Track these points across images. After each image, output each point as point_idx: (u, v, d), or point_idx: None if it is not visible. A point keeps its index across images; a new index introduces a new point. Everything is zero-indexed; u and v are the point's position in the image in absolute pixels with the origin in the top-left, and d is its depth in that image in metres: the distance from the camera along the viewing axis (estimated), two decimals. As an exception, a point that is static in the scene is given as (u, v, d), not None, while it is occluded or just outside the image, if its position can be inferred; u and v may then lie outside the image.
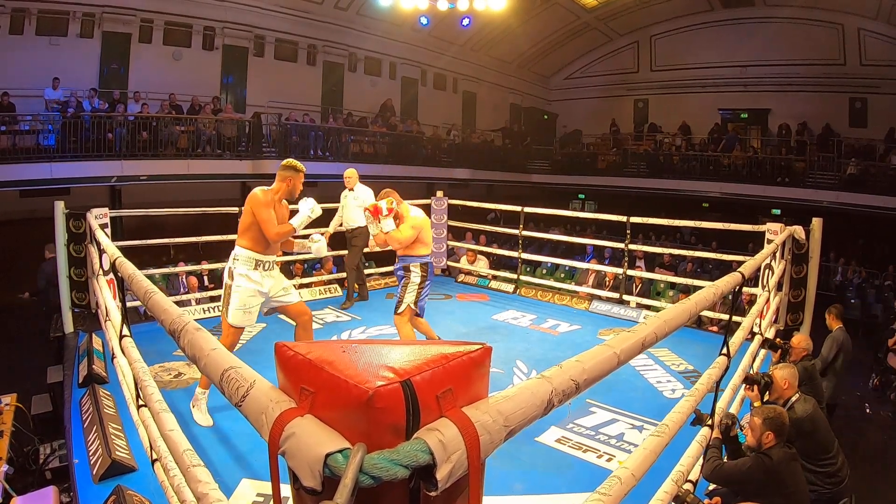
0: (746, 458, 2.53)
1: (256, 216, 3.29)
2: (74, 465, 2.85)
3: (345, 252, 6.73)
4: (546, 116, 19.39)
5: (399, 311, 4.06)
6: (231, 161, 10.43)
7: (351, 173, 5.99)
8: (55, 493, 2.63)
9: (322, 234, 3.98)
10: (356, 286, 6.25)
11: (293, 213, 3.53)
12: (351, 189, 5.95)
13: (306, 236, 3.79)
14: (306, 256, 6.98)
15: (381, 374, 0.76)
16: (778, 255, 4.48)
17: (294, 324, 3.68)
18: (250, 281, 3.34)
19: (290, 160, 3.49)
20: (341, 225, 6.07)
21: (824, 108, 13.71)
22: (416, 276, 4.03)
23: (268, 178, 11.00)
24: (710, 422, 2.39)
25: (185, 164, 9.90)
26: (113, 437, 2.92)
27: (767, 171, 13.23)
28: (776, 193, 12.83)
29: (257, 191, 3.34)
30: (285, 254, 5.67)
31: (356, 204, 5.86)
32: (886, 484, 4.56)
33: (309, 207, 3.43)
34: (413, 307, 4.04)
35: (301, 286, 6.44)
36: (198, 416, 3.40)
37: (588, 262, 8.52)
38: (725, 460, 2.59)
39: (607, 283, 6.92)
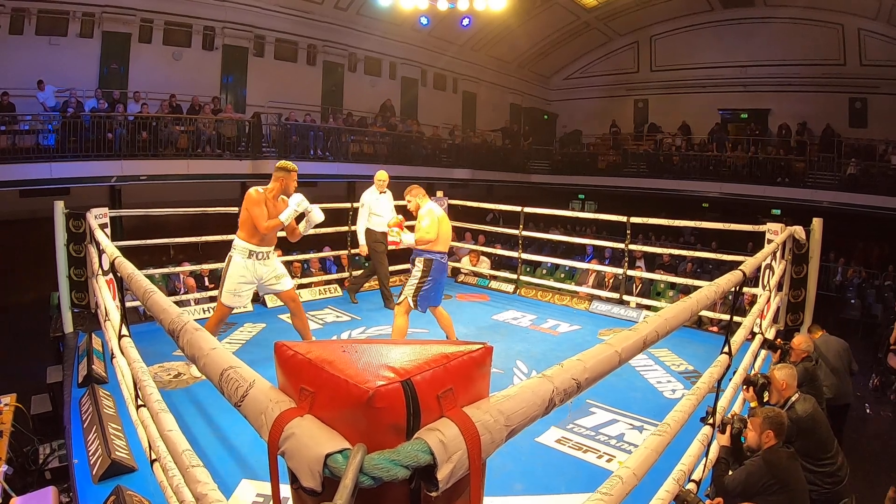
0: (748, 463, 2.52)
1: (250, 212, 3.75)
2: (74, 466, 2.84)
3: (343, 252, 6.75)
4: (546, 116, 19.39)
5: (398, 301, 4.26)
6: (231, 161, 10.42)
7: (385, 175, 5.81)
8: (55, 494, 2.63)
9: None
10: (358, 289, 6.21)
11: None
12: (383, 192, 5.78)
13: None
14: (305, 256, 7.00)
15: (381, 373, 0.76)
16: (778, 255, 4.48)
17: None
18: (242, 268, 3.82)
19: (283, 162, 3.96)
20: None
21: (824, 108, 13.72)
22: (417, 270, 4.17)
23: (268, 179, 11.06)
24: (711, 420, 2.38)
25: (185, 164, 9.89)
26: (112, 437, 2.91)
27: (767, 171, 13.24)
28: (776, 193, 12.84)
29: (252, 190, 3.81)
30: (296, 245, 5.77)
31: (391, 207, 5.75)
32: (886, 484, 4.54)
33: (296, 202, 3.80)
34: (411, 301, 4.14)
35: (300, 286, 6.43)
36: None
37: (588, 262, 8.52)
38: (729, 473, 2.58)
39: (607, 284, 6.92)
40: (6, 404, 3.57)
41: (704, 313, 5.65)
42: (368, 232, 5.75)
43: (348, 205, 6.33)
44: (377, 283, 7.05)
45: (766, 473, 2.43)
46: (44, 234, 5.11)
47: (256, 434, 0.88)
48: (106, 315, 3.63)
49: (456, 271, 7.65)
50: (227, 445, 3.09)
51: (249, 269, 3.83)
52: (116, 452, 2.78)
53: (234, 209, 5.63)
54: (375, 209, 5.71)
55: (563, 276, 8.89)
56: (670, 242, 13.21)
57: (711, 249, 10.37)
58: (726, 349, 2.33)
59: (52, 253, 4.80)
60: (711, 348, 3.57)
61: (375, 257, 5.82)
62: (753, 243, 9.96)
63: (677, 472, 2.05)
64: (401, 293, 4.25)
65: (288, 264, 6.90)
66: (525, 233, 6.91)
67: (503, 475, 2.83)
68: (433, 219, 4.16)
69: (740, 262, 2.74)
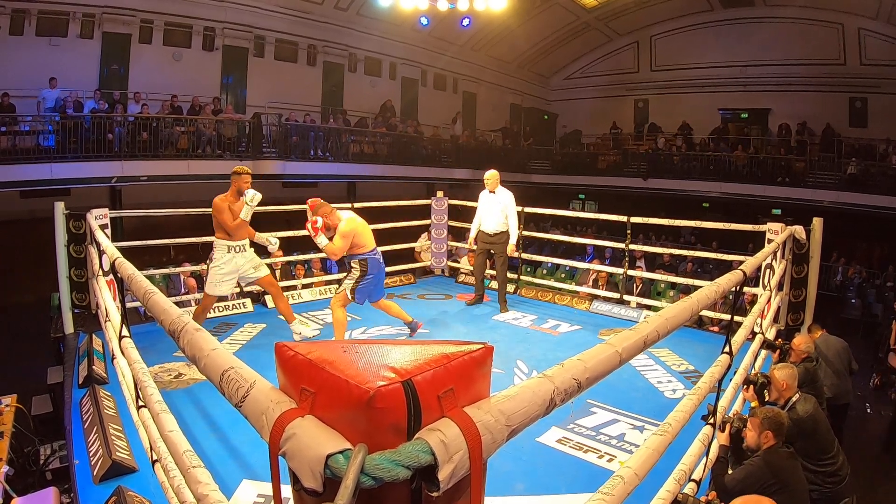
0: (748, 463, 2.52)
1: (218, 217, 4.43)
2: (75, 466, 2.85)
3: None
4: (546, 116, 19.39)
5: (336, 292, 4.65)
6: (231, 161, 10.40)
7: (492, 175, 5.81)
8: (55, 494, 2.63)
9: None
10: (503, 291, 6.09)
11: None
12: (492, 192, 5.78)
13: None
14: (307, 257, 7.00)
15: (382, 374, 0.76)
16: (778, 254, 4.47)
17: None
18: (224, 261, 4.48)
19: (236, 167, 4.57)
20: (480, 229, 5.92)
21: (824, 108, 13.71)
22: (356, 271, 4.53)
23: (267, 179, 11.05)
24: (712, 420, 2.38)
25: (186, 164, 9.89)
26: (113, 437, 2.91)
27: (768, 171, 13.24)
28: (776, 193, 12.84)
29: (216, 199, 4.47)
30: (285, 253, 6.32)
31: (500, 208, 5.74)
32: (887, 483, 4.55)
33: (249, 198, 4.40)
34: (349, 294, 4.52)
35: (303, 286, 6.46)
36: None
37: (588, 262, 8.51)
38: (728, 472, 2.58)
39: (601, 283, 6.93)
40: (7, 405, 3.57)
41: (705, 313, 5.65)
42: (479, 233, 5.89)
43: (348, 205, 6.32)
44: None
45: (765, 473, 2.43)
46: (44, 235, 5.12)
47: (257, 434, 0.88)
48: (106, 316, 3.63)
49: (456, 271, 7.65)
50: (228, 446, 3.09)
51: (229, 261, 4.51)
52: (117, 453, 2.78)
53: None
54: (482, 209, 5.81)
55: (563, 276, 8.89)
56: (670, 242, 13.21)
57: (712, 249, 10.36)
58: (727, 349, 2.33)
59: (52, 253, 4.80)
60: (712, 348, 3.57)
61: (477, 258, 6.00)
62: (754, 243, 9.96)
63: (678, 471, 2.05)
64: (339, 285, 4.62)
65: (290, 264, 6.96)
66: (525, 233, 6.90)
67: (504, 475, 2.83)
68: (346, 237, 4.37)
69: (741, 262, 2.73)
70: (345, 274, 4.70)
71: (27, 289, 7.48)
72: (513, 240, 5.79)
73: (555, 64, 18.31)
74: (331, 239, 4.37)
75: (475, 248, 6.08)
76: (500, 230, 5.75)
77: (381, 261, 4.64)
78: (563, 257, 8.28)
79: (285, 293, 6.01)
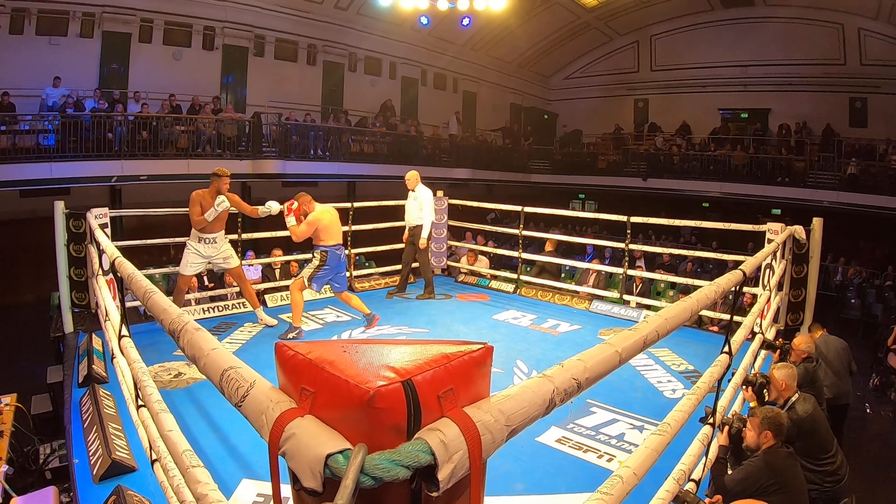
0: (747, 463, 2.52)
1: (189, 209, 4.80)
2: (74, 465, 2.84)
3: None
4: (546, 116, 19.38)
5: (295, 277, 5.06)
6: (231, 161, 10.40)
7: (411, 175, 6.36)
8: (55, 494, 2.63)
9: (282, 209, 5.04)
10: (411, 278, 6.63)
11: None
12: (412, 190, 6.30)
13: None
14: (305, 256, 7.00)
15: (382, 373, 0.76)
16: (778, 254, 4.47)
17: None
18: (193, 248, 4.90)
19: (216, 168, 4.91)
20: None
21: (824, 108, 13.72)
22: (315, 260, 4.90)
23: (267, 178, 11.00)
24: (711, 420, 2.38)
25: (185, 163, 9.88)
26: (113, 437, 2.91)
27: (768, 171, 13.24)
28: (776, 193, 12.83)
29: (194, 192, 4.82)
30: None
31: (415, 205, 6.26)
32: (887, 483, 4.56)
33: (217, 202, 4.77)
34: (306, 281, 4.87)
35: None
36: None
37: (588, 262, 8.52)
38: (728, 472, 2.58)
39: (596, 282, 6.99)
40: (7, 404, 3.57)
41: (705, 313, 5.65)
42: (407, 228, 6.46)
43: (348, 204, 6.34)
44: (374, 282, 7.10)
45: (765, 473, 2.43)
46: (44, 234, 5.12)
47: (257, 434, 0.88)
48: (106, 315, 3.63)
49: (455, 271, 7.65)
50: (228, 445, 3.09)
51: (198, 249, 4.90)
52: (117, 452, 2.78)
53: (234, 209, 5.73)
54: (407, 206, 6.38)
55: (563, 275, 8.88)
56: (670, 242, 13.20)
57: (712, 249, 10.36)
58: (726, 349, 2.33)
59: (52, 253, 4.80)
60: (712, 348, 3.57)
61: (407, 249, 6.46)
62: (754, 243, 9.96)
63: (677, 471, 2.05)
64: (299, 273, 4.98)
65: (286, 263, 6.97)
66: (525, 232, 6.91)
67: (504, 475, 2.83)
68: (311, 224, 4.80)
69: (740, 262, 2.74)
70: (307, 259, 5.10)
71: (27, 288, 7.47)
72: (424, 233, 6.21)
73: (555, 64, 18.30)
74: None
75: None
76: (417, 224, 6.27)
77: (342, 256, 5.04)
78: (563, 257, 8.28)
79: (284, 292, 6.10)
